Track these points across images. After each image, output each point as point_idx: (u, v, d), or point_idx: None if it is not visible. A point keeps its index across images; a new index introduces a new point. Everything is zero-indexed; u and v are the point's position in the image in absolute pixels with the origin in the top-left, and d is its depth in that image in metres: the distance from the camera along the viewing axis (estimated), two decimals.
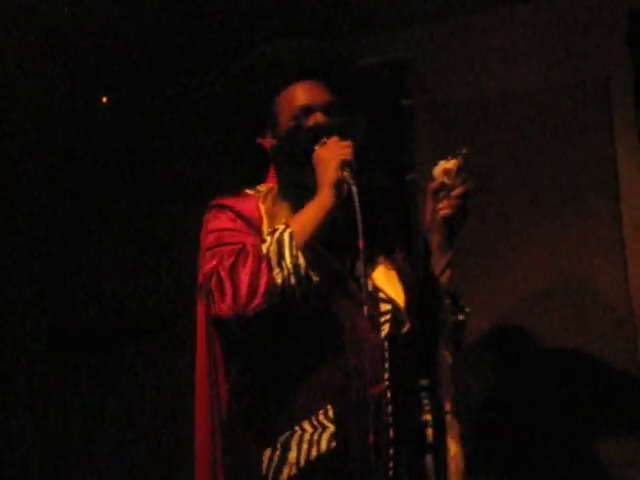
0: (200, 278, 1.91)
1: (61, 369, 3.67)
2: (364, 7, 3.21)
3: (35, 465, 3.56)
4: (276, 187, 2.06)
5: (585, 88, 3.19)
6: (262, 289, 1.76)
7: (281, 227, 1.85)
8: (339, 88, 2.07)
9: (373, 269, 1.98)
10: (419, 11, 3.28)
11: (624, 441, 2.95)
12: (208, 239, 1.97)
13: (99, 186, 3.78)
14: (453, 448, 1.78)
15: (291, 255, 1.79)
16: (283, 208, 1.98)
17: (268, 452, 1.86)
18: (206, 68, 3.54)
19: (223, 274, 1.80)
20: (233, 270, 1.79)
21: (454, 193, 1.90)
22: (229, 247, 1.89)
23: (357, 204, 1.80)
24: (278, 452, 1.85)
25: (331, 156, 1.86)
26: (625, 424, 2.95)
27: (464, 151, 1.90)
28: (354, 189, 1.82)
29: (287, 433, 1.85)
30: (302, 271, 1.79)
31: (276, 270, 1.78)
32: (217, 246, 1.92)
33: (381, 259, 2.01)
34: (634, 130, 3.12)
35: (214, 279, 1.82)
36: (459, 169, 1.90)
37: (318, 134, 1.93)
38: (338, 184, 1.84)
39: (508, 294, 3.16)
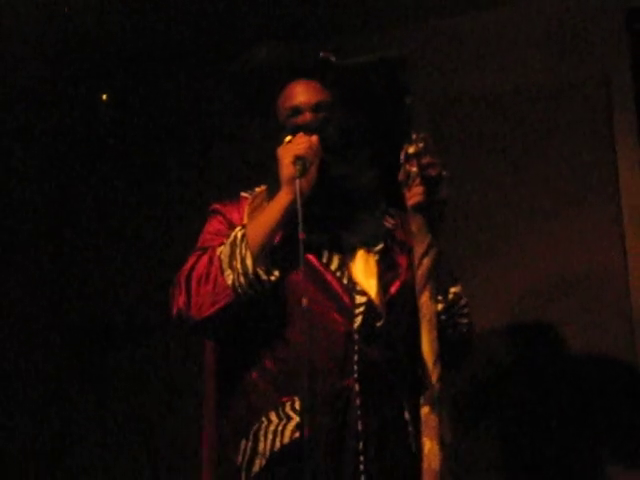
0: None
1: (61, 367, 3.69)
2: (361, 5, 3.21)
3: (33, 462, 3.57)
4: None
5: (585, 86, 3.19)
6: (209, 294, 1.83)
7: (237, 229, 1.90)
8: (335, 85, 2.09)
9: (352, 261, 1.99)
10: (417, 9, 3.27)
11: (623, 435, 2.96)
12: (197, 242, 2.04)
13: (100, 183, 3.79)
14: (427, 444, 1.74)
15: (240, 255, 1.83)
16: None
17: (243, 443, 1.90)
18: (206, 66, 3.55)
19: (180, 279, 1.89)
20: (189, 275, 1.87)
21: (418, 180, 1.87)
22: (200, 253, 1.95)
23: (299, 198, 1.81)
24: (250, 443, 1.89)
25: (286, 153, 1.91)
26: (624, 418, 2.96)
27: (422, 135, 1.87)
28: (297, 183, 1.84)
29: (257, 424, 1.89)
30: (250, 271, 1.82)
31: (227, 272, 1.83)
32: (198, 250, 1.98)
33: (360, 251, 2.00)
34: (634, 129, 3.11)
35: (176, 283, 1.91)
36: (420, 154, 1.86)
37: (293, 134, 1.97)
38: (292, 180, 1.87)
39: (508, 293, 3.15)
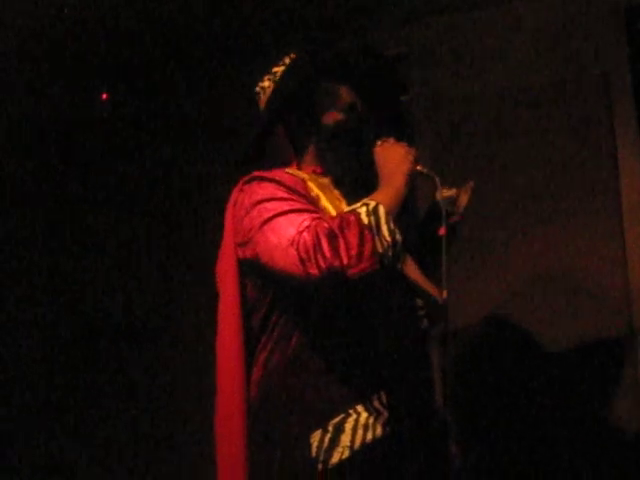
0: (283, 241, 1.83)
1: (61, 369, 3.71)
2: (360, 3, 3.21)
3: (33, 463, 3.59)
4: (312, 170, 2.14)
5: (584, 83, 3.19)
6: (368, 254, 1.80)
7: (372, 202, 1.90)
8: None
9: (405, 264, 2.10)
10: (416, 7, 3.28)
11: (620, 428, 2.97)
12: (268, 206, 1.92)
13: (101, 184, 3.81)
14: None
15: (389, 229, 1.86)
16: (330, 189, 2.09)
17: (318, 434, 1.88)
18: (206, 62, 3.57)
19: (336, 232, 1.80)
20: (343, 231, 1.81)
21: (452, 219, 2.13)
22: (309, 214, 1.88)
23: (440, 194, 1.98)
24: (329, 434, 1.87)
25: (406, 152, 2.03)
26: (623, 412, 2.96)
27: (471, 184, 2.17)
28: (437, 179, 1.99)
29: (341, 416, 1.88)
30: (399, 246, 1.87)
31: (376, 240, 1.84)
32: (291, 212, 1.89)
33: (409, 256, 2.13)
34: (634, 125, 3.11)
35: (324, 236, 1.80)
36: (461, 199, 2.16)
37: (378, 130, 2.12)
38: (413, 176, 2.00)
39: (506, 286, 3.17)
